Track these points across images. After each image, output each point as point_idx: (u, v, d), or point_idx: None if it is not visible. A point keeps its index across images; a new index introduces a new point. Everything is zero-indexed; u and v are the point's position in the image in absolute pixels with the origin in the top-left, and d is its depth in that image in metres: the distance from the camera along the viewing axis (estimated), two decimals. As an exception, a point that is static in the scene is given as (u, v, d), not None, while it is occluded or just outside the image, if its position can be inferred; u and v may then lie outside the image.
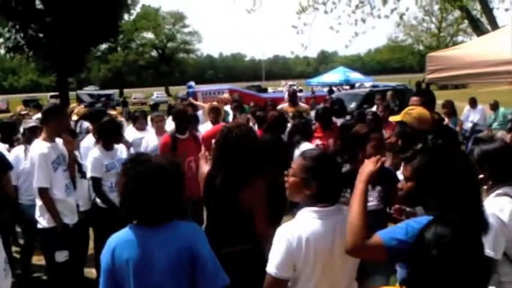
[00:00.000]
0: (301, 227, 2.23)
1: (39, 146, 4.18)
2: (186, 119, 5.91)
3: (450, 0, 11.48)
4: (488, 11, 10.50)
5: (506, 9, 10.31)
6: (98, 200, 5.07)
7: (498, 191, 2.55)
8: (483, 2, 10.55)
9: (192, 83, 23.23)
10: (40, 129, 4.70)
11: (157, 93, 54.87)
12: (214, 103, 7.97)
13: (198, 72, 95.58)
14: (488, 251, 2.17)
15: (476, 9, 12.05)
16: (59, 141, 4.34)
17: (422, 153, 2.32)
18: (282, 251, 2.20)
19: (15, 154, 5.39)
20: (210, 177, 2.98)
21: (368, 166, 2.28)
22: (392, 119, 3.59)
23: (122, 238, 2.19)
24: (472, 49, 4.17)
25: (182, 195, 2.27)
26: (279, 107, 8.87)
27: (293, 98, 9.21)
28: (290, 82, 48.69)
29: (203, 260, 2.19)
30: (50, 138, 4.24)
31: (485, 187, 2.63)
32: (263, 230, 2.94)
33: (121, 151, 5.23)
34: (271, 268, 2.22)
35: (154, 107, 9.98)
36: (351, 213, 2.15)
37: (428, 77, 4.34)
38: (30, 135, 4.88)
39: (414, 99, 3.98)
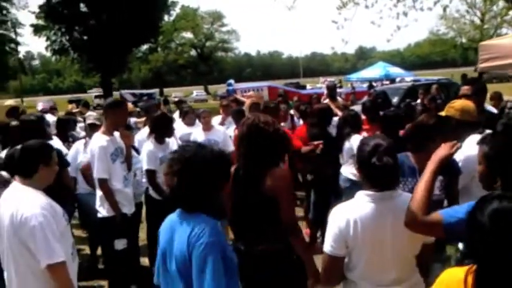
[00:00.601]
0: (351, 208, 2.40)
1: (99, 139, 4.39)
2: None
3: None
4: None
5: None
6: (151, 192, 5.28)
7: None
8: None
9: (231, 81, 23.46)
10: (99, 125, 4.95)
11: (197, 92, 55.69)
12: (255, 99, 8.06)
13: (236, 70, 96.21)
14: None
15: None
16: (116, 134, 4.55)
17: (492, 137, 2.34)
18: (334, 230, 2.40)
19: (75, 148, 5.68)
20: (235, 170, 2.93)
21: (443, 149, 2.34)
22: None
23: (164, 223, 2.28)
24: (526, 37, 4.10)
25: (221, 186, 2.25)
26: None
27: (332, 92, 9.18)
28: (329, 78, 48.33)
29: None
30: (109, 132, 4.45)
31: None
32: (289, 217, 2.90)
33: (172, 145, 5.41)
34: (327, 246, 2.42)
35: (179, 103, 10.35)
36: (416, 190, 2.22)
37: (481, 66, 4.29)
38: (91, 130, 5.13)
39: (465, 88, 3.95)
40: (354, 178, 5.25)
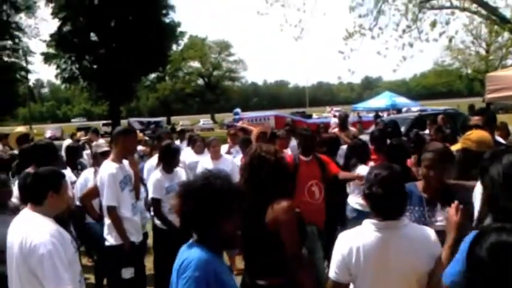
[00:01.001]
0: (355, 236, 2.45)
1: (108, 166, 4.42)
2: (311, 142, 5.43)
3: (499, 22, 11.31)
4: (540, 32, 10.29)
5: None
6: (157, 222, 5.28)
7: None
8: (535, 24, 10.35)
9: (238, 110, 23.67)
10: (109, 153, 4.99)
11: (204, 120, 56.01)
12: (262, 128, 8.13)
13: (243, 99, 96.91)
14: None
15: (528, 31, 11.76)
16: (125, 162, 4.58)
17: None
18: (338, 257, 2.46)
19: (85, 176, 5.70)
20: None
21: (452, 218, 2.48)
22: (454, 148, 3.53)
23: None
24: (533, 68, 4.14)
25: (229, 217, 2.16)
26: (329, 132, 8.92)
27: (344, 122, 9.18)
28: (335, 108, 48.52)
29: None
30: (118, 159, 4.48)
31: None
32: (294, 250, 2.83)
33: (180, 174, 5.43)
34: (331, 272, 2.49)
35: (182, 132, 10.50)
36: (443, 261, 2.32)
37: (488, 97, 4.32)
38: (102, 158, 5.13)
39: (476, 118, 3.97)
40: (360, 208, 5.25)
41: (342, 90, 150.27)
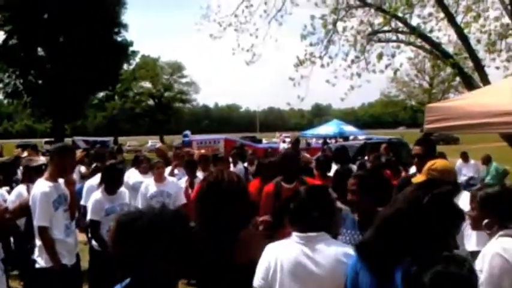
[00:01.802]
0: (279, 246, 2.56)
1: (42, 184, 4.19)
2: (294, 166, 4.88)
3: (442, 57, 11.86)
4: (480, 68, 10.86)
5: (497, 68, 10.70)
6: (94, 243, 5.07)
7: (501, 233, 2.60)
8: (475, 60, 10.90)
9: (187, 132, 23.45)
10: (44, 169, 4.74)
11: (152, 141, 55.07)
12: (203, 151, 8.15)
13: (194, 121, 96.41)
14: None
15: (468, 67, 12.40)
16: (61, 181, 4.36)
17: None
18: (262, 266, 2.52)
19: (17, 191, 5.40)
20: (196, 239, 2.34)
21: None
22: (417, 180, 3.56)
23: None
24: (470, 100, 4.31)
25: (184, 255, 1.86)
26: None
27: (295, 146, 9.27)
28: (285, 134, 49.09)
29: None
30: (53, 178, 4.26)
31: (488, 231, 2.68)
32: None
33: (124, 195, 5.25)
34: (255, 280, 2.52)
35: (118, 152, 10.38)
36: None
37: (427, 127, 4.46)
38: (36, 174, 4.87)
39: (417, 148, 4.06)
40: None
41: (292, 116, 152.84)
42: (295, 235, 2.52)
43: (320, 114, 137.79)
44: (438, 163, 3.58)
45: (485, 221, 2.65)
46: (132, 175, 7.25)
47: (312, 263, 2.43)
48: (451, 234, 2.31)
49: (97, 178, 5.77)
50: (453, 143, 42.37)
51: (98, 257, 4.94)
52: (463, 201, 3.22)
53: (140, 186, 6.57)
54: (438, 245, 2.11)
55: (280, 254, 2.50)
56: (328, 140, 23.71)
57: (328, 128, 25.30)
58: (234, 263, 2.54)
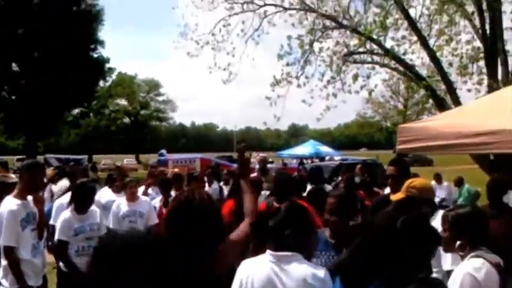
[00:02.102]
0: (253, 264, 2.58)
1: (9, 202, 4.07)
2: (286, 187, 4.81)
3: (415, 79, 12.11)
4: (452, 91, 11.12)
5: (469, 90, 10.96)
6: (61, 264, 4.92)
7: (472, 254, 2.63)
8: (447, 83, 11.16)
9: (163, 151, 23.28)
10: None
11: (127, 160, 54.49)
12: (176, 170, 8.10)
13: (170, 140, 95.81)
14: None
15: (441, 89, 12.69)
16: (30, 198, 4.24)
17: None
18: (236, 281, 2.57)
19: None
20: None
21: None
22: (396, 197, 3.59)
23: None
24: (441, 121, 4.38)
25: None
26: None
27: (263, 166, 9.25)
28: (261, 154, 49.15)
29: None
30: (21, 195, 4.14)
31: (461, 253, 2.70)
32: None
33: (95, 215, 5.12)
34: None
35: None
36: None
37: (399, 148, 4.50)
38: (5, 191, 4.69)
39: (390, 168, 4.10)
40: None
41: (269, 136, 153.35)
42: (268, 253, 2.53)
43: (297, 134, 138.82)
44: (417, 181, 3.61)
45: (458, 243, 2.66)
46: (104, 194, 7.10)
47: (280, 283, 2.44)
48: (426, 257, 2.33)
49: (67, 197, 5.64)
50: (427, 164, 43.04)
51: (66, 279, 4.78)
52: (438, 221, 3.26)
53: (112, 205, 6.44)
54: (412, 267, 2.12)
55: (252, 272, 2.53)
56: (304, 161, 23.84)
57: (304, 149, 25.49)
58: (213, 274, 2.44)
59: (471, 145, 3.74)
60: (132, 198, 6.38)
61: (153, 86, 77.44)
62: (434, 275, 2.91)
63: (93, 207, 5.15)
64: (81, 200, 4.97)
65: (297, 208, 2.74)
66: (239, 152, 2.97)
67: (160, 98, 78.38)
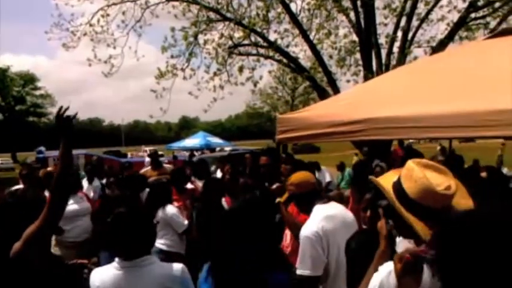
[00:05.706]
0: (102, 274, 2.45)
1: None
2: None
3: (298, 71, 12.56)
4: (332, 82, 11.71)
5: (348, 81, 11.63)
6: None
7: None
8: (328, 74, 11.73)
9: (42, 148, 21.75)
10: None
11: (3, 160, 50.14)
12: (49, 168, 7.70)
13: (51, 137, 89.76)
14: None
15: (323, 80, 13.32)
16: None
17: None
18: None
19: None
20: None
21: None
22: (283, 199, 3.42)
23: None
24: (316, 111, 4.54)
25: None
26: (141, 171, 8.62)
27: (156, 160, 8.94)
28: (150, 147, 47.99)
29: None
30: None
31: None
32: None
33: None
34: None
35: None
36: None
37: (279, 137, 4.59)
38: None
39: (263, 158, 4.16)
40: (166, 249, 5.14)
41: (159, 129, 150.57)
42: (116, 261, 2.43)
43: (188, 126, 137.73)
44: (294, 177, 3.42)
45: None
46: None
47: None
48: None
49: None
50: (315, 152, 45.25)
51: None
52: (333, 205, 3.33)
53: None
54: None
55: (103, 284, 2.41)
56: (195, 152, 23.70)
57: (194, 140, 25.31)
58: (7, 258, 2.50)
59: (341, 133, 3.89)
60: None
61: (29, 80, 71.77)
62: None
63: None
64: None
65: (121, 215, 2.50)
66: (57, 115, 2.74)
67: (37, 92, 73.05)
